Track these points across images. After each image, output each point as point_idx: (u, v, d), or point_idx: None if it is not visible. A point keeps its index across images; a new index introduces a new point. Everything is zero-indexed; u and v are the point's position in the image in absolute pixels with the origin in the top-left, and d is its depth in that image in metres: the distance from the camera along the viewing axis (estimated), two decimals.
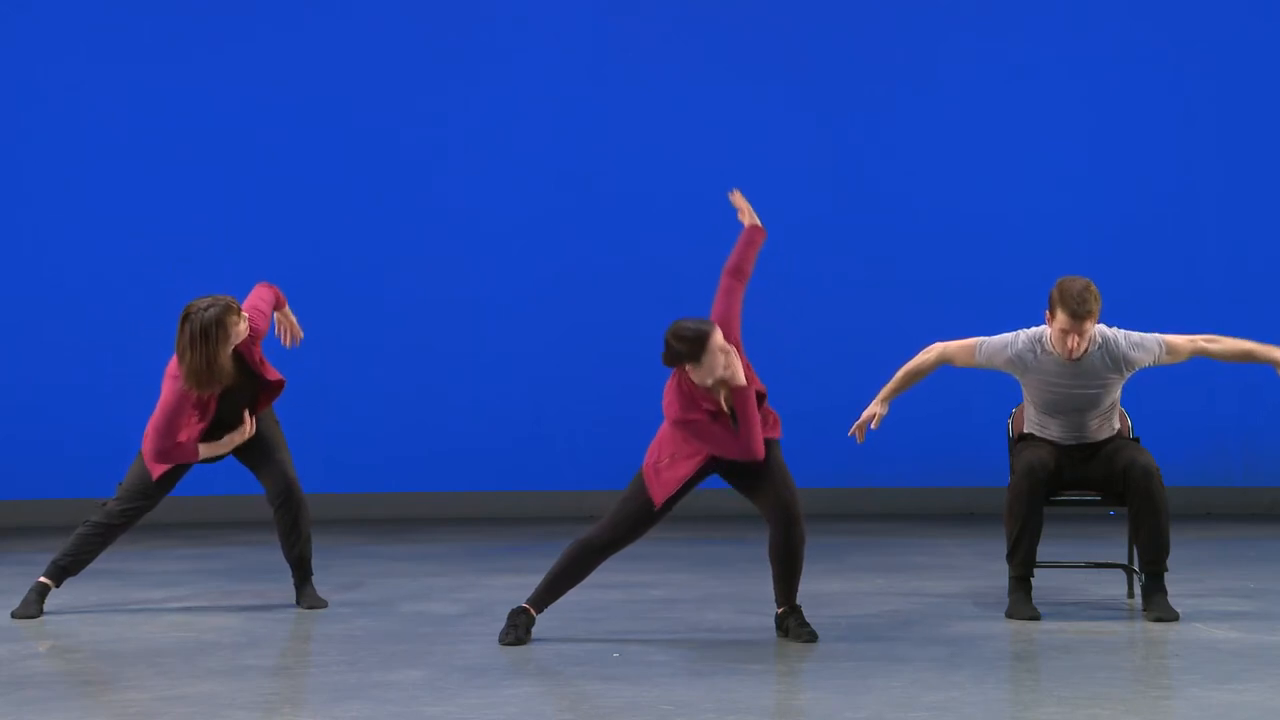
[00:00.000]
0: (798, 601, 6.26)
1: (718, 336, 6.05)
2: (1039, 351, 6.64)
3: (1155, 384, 10.71)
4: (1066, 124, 11.23)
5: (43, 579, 6.97)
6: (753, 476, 6.24)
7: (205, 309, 6.70)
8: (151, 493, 6.93)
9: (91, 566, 7.07)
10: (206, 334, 6.68)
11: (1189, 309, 11.13)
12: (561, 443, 11.17)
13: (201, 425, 6.85)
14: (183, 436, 6.84)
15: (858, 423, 6.77)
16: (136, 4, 11.18)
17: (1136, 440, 6.91)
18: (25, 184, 11.11)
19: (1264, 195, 11.21)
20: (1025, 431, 6.91)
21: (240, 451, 7.06)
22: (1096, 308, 6.49)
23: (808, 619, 6.21)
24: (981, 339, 6.75)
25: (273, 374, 7.05)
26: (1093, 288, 6.49)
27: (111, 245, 10.83)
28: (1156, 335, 6.70)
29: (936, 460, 11.12)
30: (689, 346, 6.03)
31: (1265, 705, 4.96)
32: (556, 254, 11.20)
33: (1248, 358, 6.75)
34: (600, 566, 6.34)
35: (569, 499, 10.80)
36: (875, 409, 6.78)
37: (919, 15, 11.33)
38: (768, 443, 6.20)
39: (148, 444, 6.83)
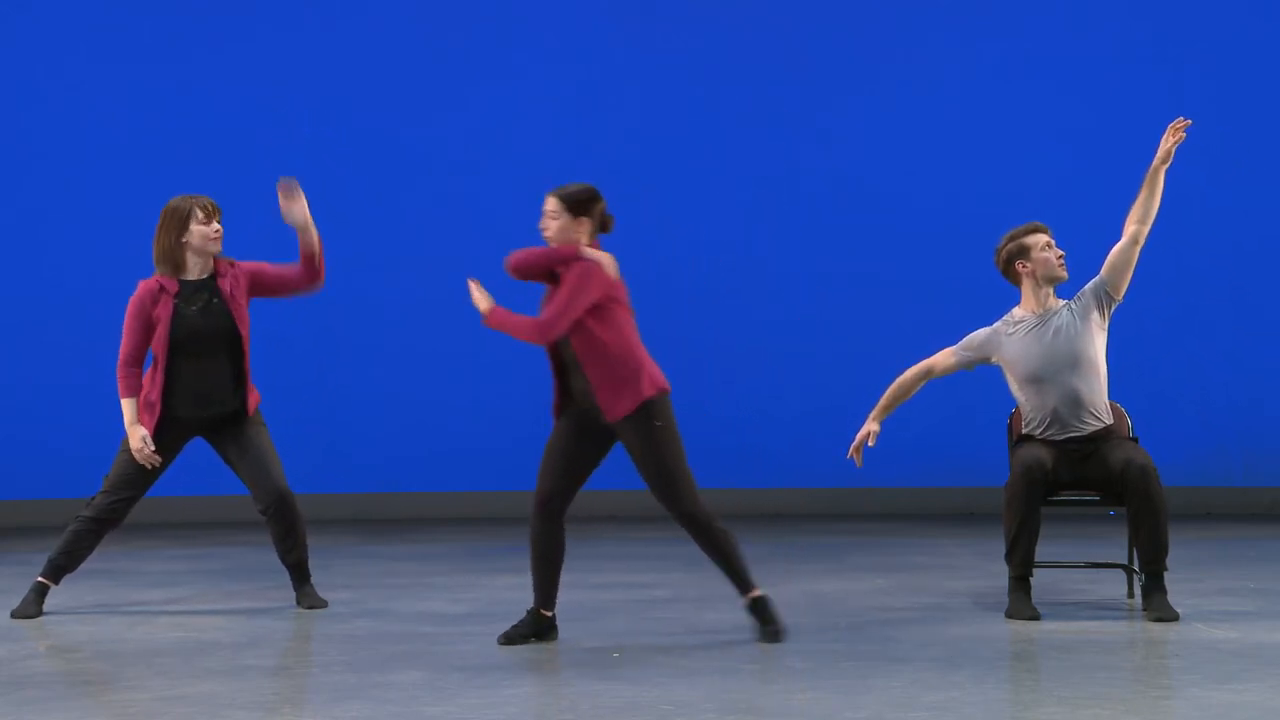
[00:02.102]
0: (758, 590, 6.15)
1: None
2: (1012, 321, 6.87)
3: (1155, 383, 10.74)
4: (1067, 124, 11.23)
5: (41, 579, 6.97)
6: (631, 452, 6.08)
7: (180, 198, 6.89)
8: (137, 482, 6.90)
9: (91, 567, 7.07)
10: (167, 217, 6.85)
11: (1188, 307, 11.15)
12: None
13: (159, 376, 6.83)
14: (151, 388, 6.85)
15: (854, 444, 6.84)
16: (136, 4, 11.19)
17: (1135, 440, 6.92)
18: (25, 184, 11.11)
19: (1265, 195, 11.21)
20: (1024, 433, 6.92)
21: (227, 457, 7.04)
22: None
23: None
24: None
25: (244, 318, 6.95)
26: None
27: (111, 245, 10.82)
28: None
29: (936, 460, 11.12)
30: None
31: (1265, 705, 4.96)
32: None
33: (1151, 190, 6.79)
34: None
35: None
36: (869, 427, 6.87)
37: (919, 15, 11.34)
38: (634, 413, 6.04)
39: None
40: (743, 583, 6.17)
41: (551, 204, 6.14)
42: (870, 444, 6.86)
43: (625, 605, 7.10)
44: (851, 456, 6.87)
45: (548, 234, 6.15)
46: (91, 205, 11.03)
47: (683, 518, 6.10)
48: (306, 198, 6.96)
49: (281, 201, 6.92)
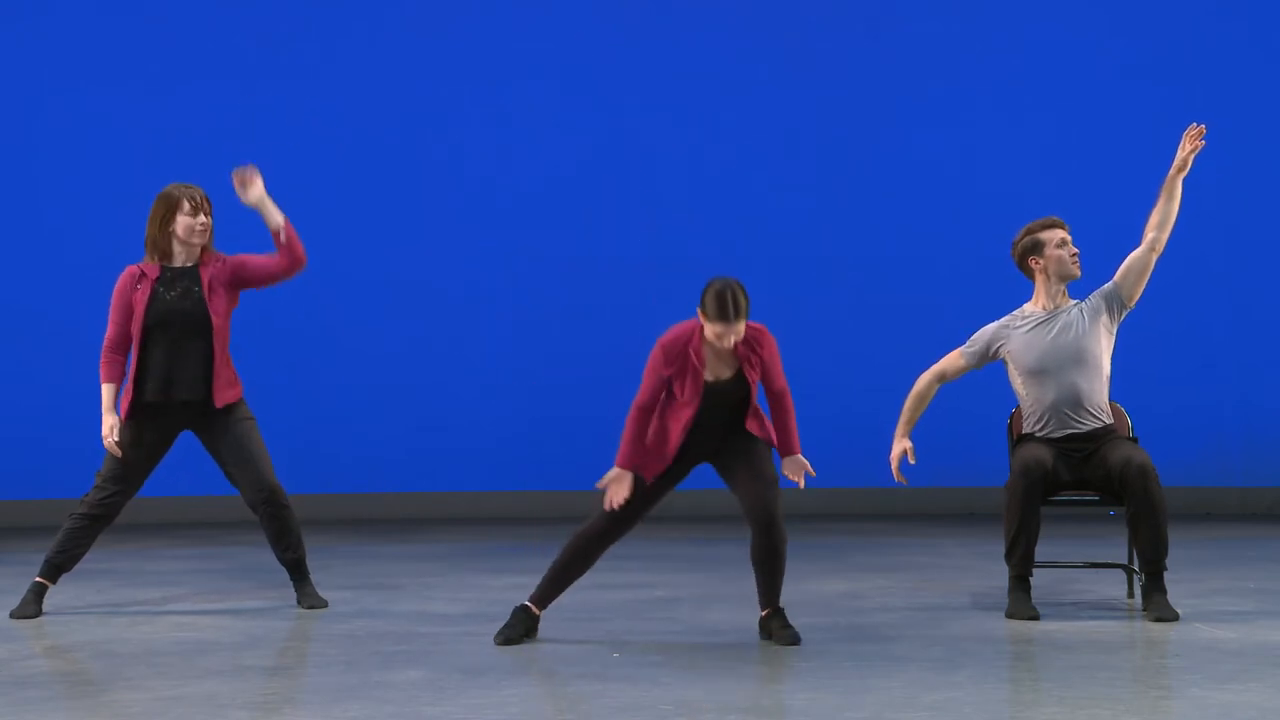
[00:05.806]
0: (781, 604, 6.22)
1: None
2: (1021, 316, 6.89)
3: (1156, 383, 10.74)
4: (1078, 123, 11.24)
5: (39, 579, 6.97)
6: (737, 457, 6.16)
7: (173, 187, 6.95)
8: (131, 477, 6.92)
9: (91, 567, 7.06)
10: (158, 205, 6.92)
11: (1188, 306, 11.15)
12: (560, 443, 11.17)
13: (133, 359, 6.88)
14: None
15: (894, 466, 6.87)
16: (137, 5, 11.19)
17: (1135, 440, 6.92)
18: (25, 185, 11.11)
19: (1265, 195, 11.22)
20: (1024, 431, 6.93)
21: (215, 454, 7.03)
22: None
23: (802, 620, 6.20)
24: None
25: (219, 308, 6.91)
26: None
27: (111, 246, 10.81)
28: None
29: (936, 460, 11.11)
30: (738, 302, 5.98)
31: (1265, 705, 4.96)
32: (557, 254, 11.20)
33: (1168, 197, 6.78)
34: (600, 564, 6.34)
35: (569, 499, 10.78)
36: (902, 444, 6.88)
37: (923, 14, 11.35)
38: (752, 438, 6.16)
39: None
40: (775, 595, 6.18)
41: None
42: (912, 460, 6.87)
43: (625, 605, 7.10)
44: (899, 479, 6.87)
45: (730, 345, 6.08)
46: (91, 205, 11.04)
47: (775, 516, 6.11)
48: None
49: (236, 188, 6.96)
